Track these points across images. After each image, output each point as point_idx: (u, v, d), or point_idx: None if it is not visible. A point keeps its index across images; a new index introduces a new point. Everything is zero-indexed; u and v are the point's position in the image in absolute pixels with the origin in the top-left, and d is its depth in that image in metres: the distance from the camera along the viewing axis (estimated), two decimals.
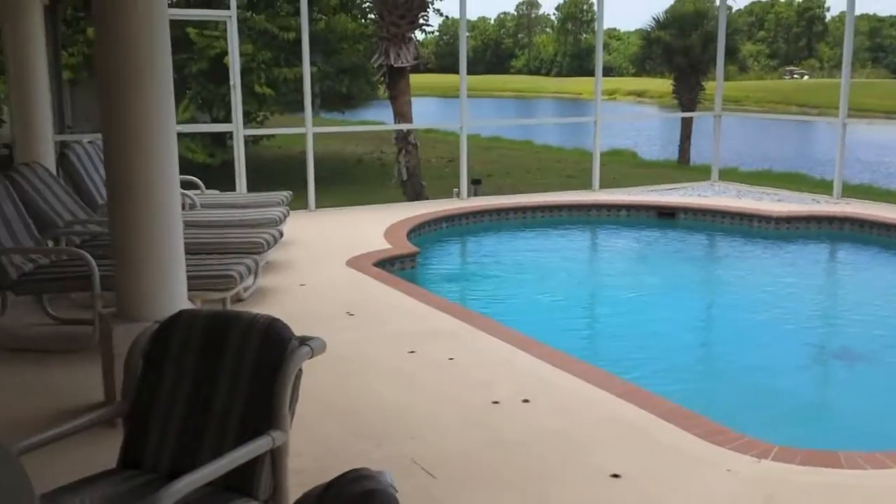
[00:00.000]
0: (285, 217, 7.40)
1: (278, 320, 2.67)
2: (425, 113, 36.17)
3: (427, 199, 15.73)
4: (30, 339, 5.35)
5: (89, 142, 7.87)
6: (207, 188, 9.00)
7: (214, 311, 2.76)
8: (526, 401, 4.41)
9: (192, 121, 17.00)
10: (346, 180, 20.56)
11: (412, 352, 5.14)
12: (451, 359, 5.02)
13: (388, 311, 6.03)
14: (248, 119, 17.36)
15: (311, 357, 2.68)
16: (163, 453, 2.72)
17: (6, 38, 7.70)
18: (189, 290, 5.07)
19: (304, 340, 2.68)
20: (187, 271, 5.20)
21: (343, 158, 23.98)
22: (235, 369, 2.65)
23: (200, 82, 16.43)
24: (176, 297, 4.18)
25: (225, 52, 16.31)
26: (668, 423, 4.13)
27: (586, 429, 4.13)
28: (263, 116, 17.79)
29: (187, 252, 6.16)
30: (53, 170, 7.30)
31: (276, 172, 18.54)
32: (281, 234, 6.70)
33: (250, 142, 19.20)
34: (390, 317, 5.90)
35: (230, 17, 9.66)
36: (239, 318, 2.69)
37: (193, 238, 6.25)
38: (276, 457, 2.61)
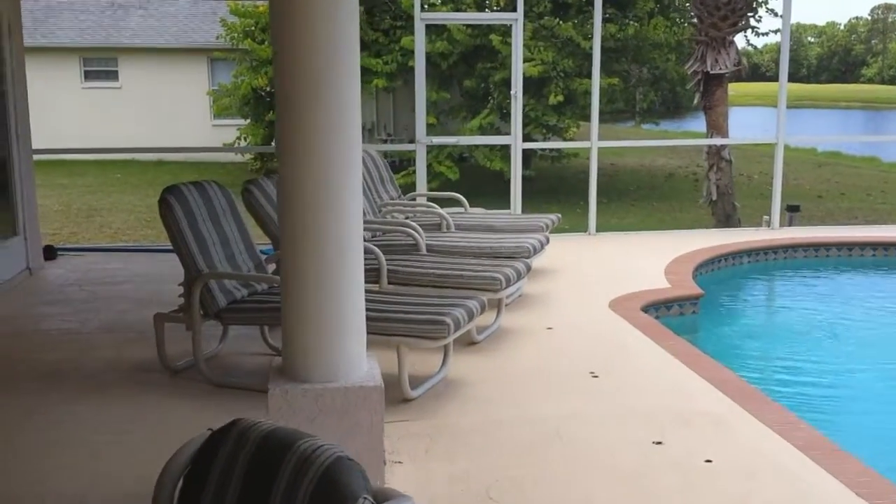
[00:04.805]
0: (542, 246, 6.44)
1: (344, 460, 1.73)
2: (754, 124, 33.37)
3: (738, 221, 14.03)
4: (237, 375, 4.88)
5: None
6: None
7: (273, 429, 1.87)
8: None
9: (493, 129, 16.65)
10: (654, 196, 19.18)
11: (658, 443, 3.93)
12: (708, 461, 3.75)
13: (642, 377, 4.83)
14: (550, 131, 16.65)
15: None
16: None
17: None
18: (397, 335, 4.33)
19: (380, 498, 1.70)
20: (402, 311, 4.47)
21: (653, 172, 22.55)
22: None
23: (502, 91, 15.99)
24: (347, 356, 3.39)
25: (526, 61, 15.76)
26: None
27: None
28: (567, 126, 16.95)
29: (420, 284, 5.48)
30: None
31: (577, 186, 17.69)
32: (528, 268, 5.76)
33: (551, 157, 18.53)
34: (644, 385, 4.70)
35: (516, 20, 8.91)
36: (296, 446, 1.78)
37: (429, 268, 5.54)
38: None
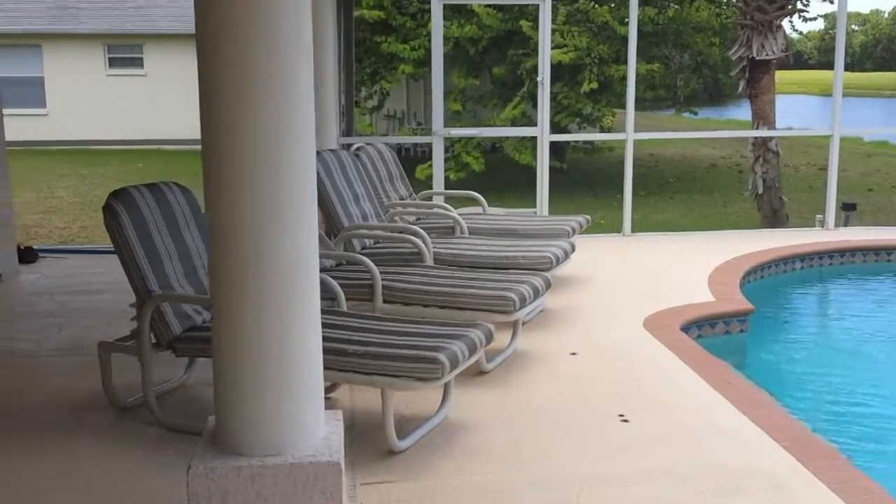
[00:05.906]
0: (566, 255, 5.62)
1: None
2: (800, 113, 32.12)
3: (786, 218, 13.08)
4: (198, 415, 4.08)
5: (357, 147, 6.74)
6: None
7: None
8: None
9: (525, 118, 15.80)
10: (695, 189, 18.20)
11: None
12: None
13: (681, 422, 3.98)
14: (585, 120, 15.75)
15: None
16: None
17: None
18: (379, 374, 3.55)
19: None
20: (388, 343, 3.70)
21: (695, 163, 21.50)
22: None
23: (534, 79, 15.12)
24: (297, 420, 2.61)
25: (558, 48, 14.86)
26: None
27: None
28: (603, 114, 16.02)
29: (420, 303, 4.70)
30: None
31: (614, 178, 16.77)
32: (548, 284, 4.93)
33: (584, 148, 17.65)
34: (683, 433, 3.85)
35: (543, 0, 8.07)
36: None
37: (433, 284, 4.74)
38: None
